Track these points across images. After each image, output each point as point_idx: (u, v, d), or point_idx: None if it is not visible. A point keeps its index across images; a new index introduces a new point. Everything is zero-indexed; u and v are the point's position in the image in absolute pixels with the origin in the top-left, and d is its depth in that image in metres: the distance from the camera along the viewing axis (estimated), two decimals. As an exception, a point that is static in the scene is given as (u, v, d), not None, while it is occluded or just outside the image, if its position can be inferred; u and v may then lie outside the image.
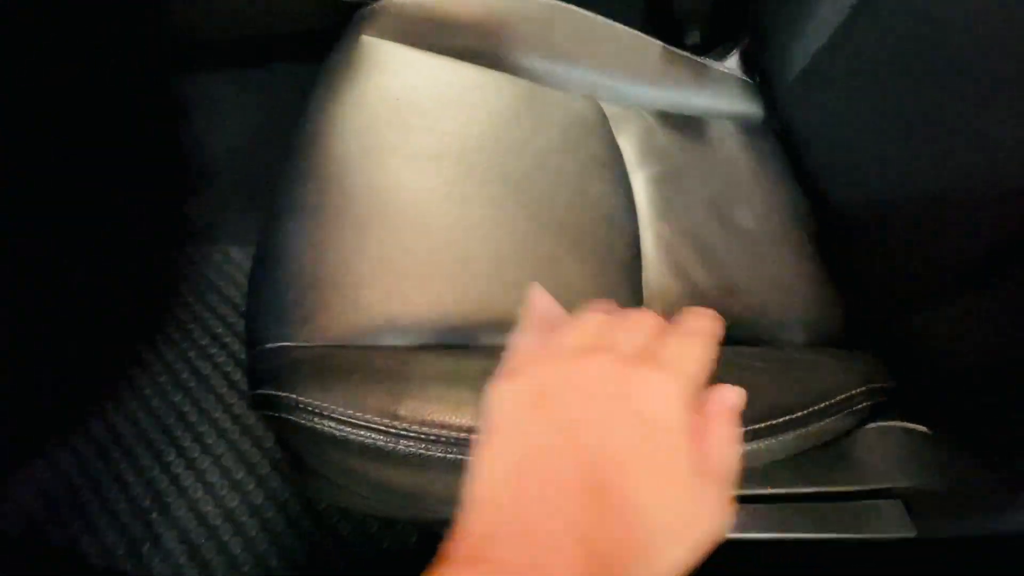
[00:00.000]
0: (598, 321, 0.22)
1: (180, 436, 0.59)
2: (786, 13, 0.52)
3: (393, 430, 0.27)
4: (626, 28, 0.55)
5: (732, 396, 0.22)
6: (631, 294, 0.39)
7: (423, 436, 0.27)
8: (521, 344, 0.22)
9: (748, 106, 0.56)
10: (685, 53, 0.56)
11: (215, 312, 0.67)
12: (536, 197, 0.41)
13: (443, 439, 0.27)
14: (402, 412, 0.27)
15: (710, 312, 0.23)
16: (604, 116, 0.50)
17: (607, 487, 0.18)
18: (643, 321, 0.22)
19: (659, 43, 0.56)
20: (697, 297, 0.40)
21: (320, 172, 0.38)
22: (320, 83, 0.46)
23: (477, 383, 0.30)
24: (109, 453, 0.58)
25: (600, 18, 0.54)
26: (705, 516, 0.19)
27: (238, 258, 0.70)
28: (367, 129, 0.42)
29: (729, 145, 0.53)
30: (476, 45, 0.50)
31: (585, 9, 0.53)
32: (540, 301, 0.24)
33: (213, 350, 0.64)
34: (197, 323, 0.67)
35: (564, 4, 0.53)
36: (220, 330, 0.65)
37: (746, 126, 0.55)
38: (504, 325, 0.35)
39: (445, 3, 0.51)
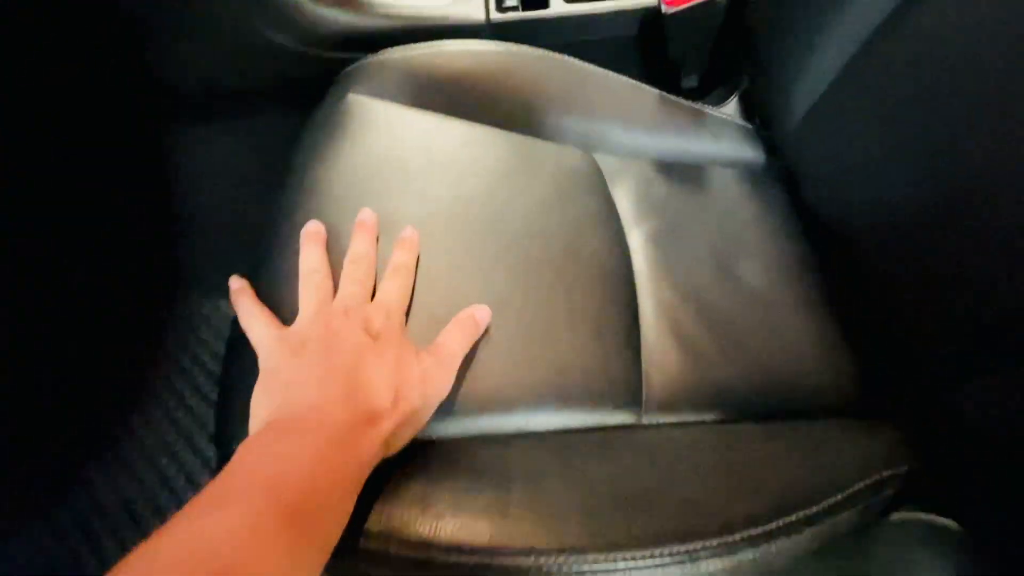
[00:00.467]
0: (327, 299, 0.32)
1: (164, 505, 0.56)
2: (786, 57, 0.51)
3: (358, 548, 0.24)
4: (620, 76, 0.53)
5: (472, 311, 0.34)
6: (629, 364, 0.37)
7: (386, 554, 0.24)
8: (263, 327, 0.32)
9: (749, 152, 0.55)
10: (681, 100, 0.55)
11: (204, 368, 0.65)
12: (527, 260, 0.39)
13: (402, 557, 0.25)
14: (373, 528, 0.25)
15: (409, 242, 0.36)
16: (599, 169, 0.48)
17: (352, 382, 0.27)
18: (357, 278, 0.33)
19: (654, 90, 0.54)
20: (700, 366, 0.38)
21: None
22: (305, 143, 0.45)
23: (454, 490, 0.27)
24: (89, 523, 0.55)
25: (593, 67, 0.53)
26: (428, 381, 0.29)
27: (228, 311, 0.68)
28: (352, 194, 0.40)
29: (731, 194, 0.51)
30: (466, 100, 0.48)
31: (576, 59, 0.52)
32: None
33: (201, 411, 0.62)
34: (184, 379, 0.65)
35: (555, 54, 0.52)
36: (208, 389, 0.63)
37: (748, 173, 0.53)
38: (493, 406, 0.32)
39: (434, 58, 0.49)
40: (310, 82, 0.53)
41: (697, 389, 0.37)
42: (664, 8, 0.51)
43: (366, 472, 0.25)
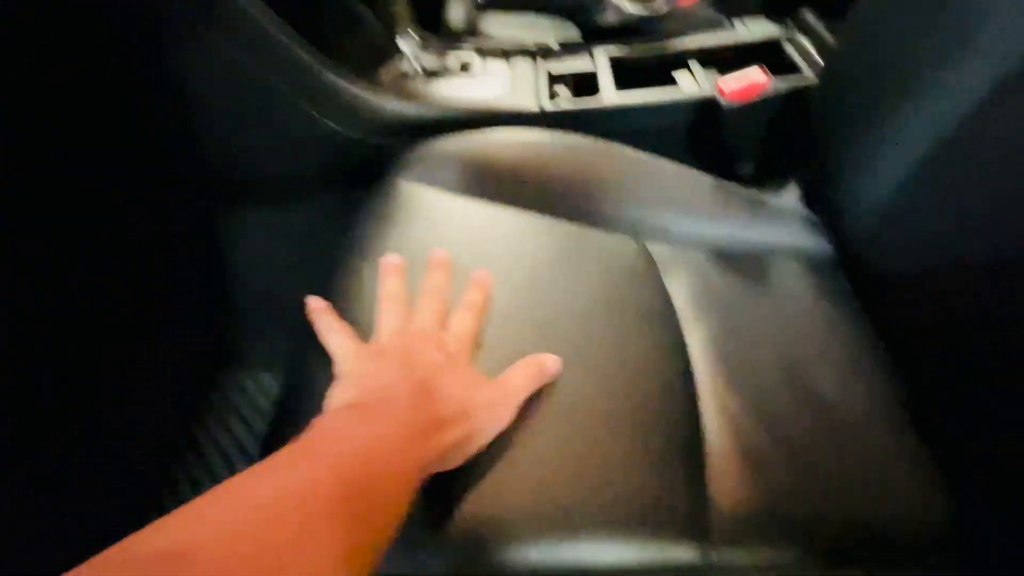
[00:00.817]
0: (405, 316, 0.35)
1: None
2: (852, 151, 0.48)
3: None
4: (673, 163, 0.52)
5: (542, 358, 0.34)
6: (692, 488, 0.33)
7: None
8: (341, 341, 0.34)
9: (811, 241, 0.51)
10: (738, 187, 0.53)
11: (238, 442, 0.64)
12: (575, 364, 0.36)
13: None
14: None
15: (483, 283, 0.38)
16: (652, 260, 0.46)
17: (425, 388, 0.29)
18: (433, 307, 0.36)
19: (709, 177, 0.53)
20: (773, 493, 0.33)
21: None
22: (356, 230, 0.45)
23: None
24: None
25: (644, 154, 0.52)
26: (492, 409, 0.30)
27: (269, 385, 0.67)
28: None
29: (796, 287, 0.47)
30: (516, 187, 0.48)
31: (628, 146, 0.52)
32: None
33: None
34: (217, 452, 0.63)
35: (606, 142, 0.52)
36: (241, 466, 0.61)
37: (810, 264, 0.50)
38: (532, 536, 0.29)
39: (484, 146, 0.50)
40: (364, 167, 0.54)
41: (770, 520, 0.32)
42: (723, 102, 0.51)
43: (422, 475, 0.26)
